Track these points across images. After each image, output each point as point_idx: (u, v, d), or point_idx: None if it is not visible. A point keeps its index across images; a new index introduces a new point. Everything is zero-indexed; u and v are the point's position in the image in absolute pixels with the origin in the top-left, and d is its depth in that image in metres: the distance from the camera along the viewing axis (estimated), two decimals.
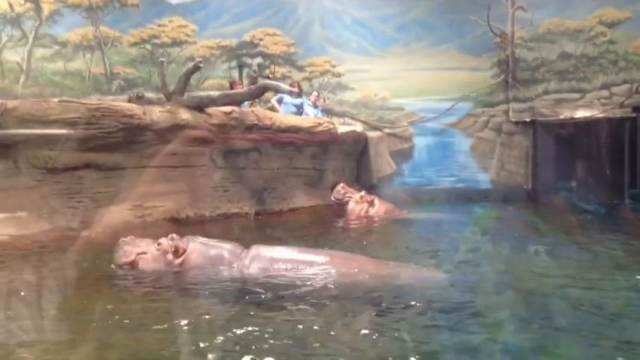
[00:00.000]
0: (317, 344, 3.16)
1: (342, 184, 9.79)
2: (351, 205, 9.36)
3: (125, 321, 3.59)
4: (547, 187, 12.16)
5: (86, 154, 7.32)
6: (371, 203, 9.30)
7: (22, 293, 4.23)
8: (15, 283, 4.52)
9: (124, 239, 4.93)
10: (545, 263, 5.38)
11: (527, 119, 12.61)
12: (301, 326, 3.43)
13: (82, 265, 5.28)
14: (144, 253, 4.80)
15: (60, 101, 7.22)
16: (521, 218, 9.35)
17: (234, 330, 3.37)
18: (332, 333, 3.34)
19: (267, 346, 3.12)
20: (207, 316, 3.70)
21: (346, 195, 9.54)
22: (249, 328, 3.39)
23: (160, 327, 3.48)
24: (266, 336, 3.26)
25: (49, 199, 6.98)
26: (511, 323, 3.53)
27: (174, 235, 4.81)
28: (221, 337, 3.26)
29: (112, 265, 4.86)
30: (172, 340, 3.25)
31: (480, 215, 9.70)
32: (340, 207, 9.54)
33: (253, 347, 3.09)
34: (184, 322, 3.53)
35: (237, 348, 3.10)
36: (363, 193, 9.52)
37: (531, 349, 3.10)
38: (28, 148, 6.85)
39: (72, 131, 7.06)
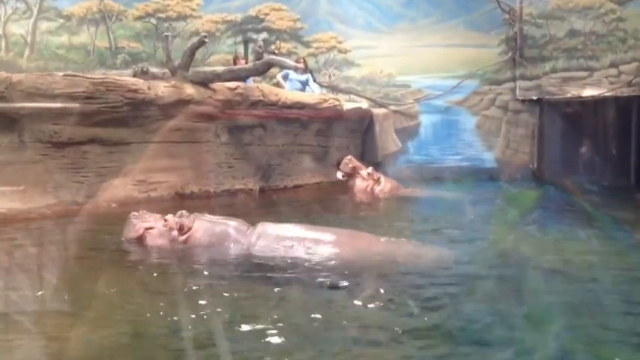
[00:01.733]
0: (321, 321, 3.18)
1: (350, 157, 9.71)
2: (357, 181, 9.33)
3: (124, 292, 3.71)
4: (553, 166, 12.10)
5: (91, 128, 7.31)
6: (377, 181, 9.26)
7: (27, 264, 4.28)
8: (21, 255, 4.56)
9: (134, 213, 4.93)
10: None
11: (534, 97, 12.49)
12: (306, 302, 3.45)
13: (85, 238, 5.31)
14: (151, 228, 4.81)
15: (64, 75, 7.19)
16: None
17: (236, 303, 3.41)
18: (338, 310, 3.36)
19: (269, 321, 3.15)
20: (208, 289, 3.73)
21: (354, 169, 9.48)
22: (253, 302, 3.42)
23: (153, 298, 3.56)
24: (270, 312, 3.29)
25: (54, 173, 7.00)
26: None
27: (183, 212, 4.82)
28: (220, 309, 3.29)
29: (123, 239, 4.88)
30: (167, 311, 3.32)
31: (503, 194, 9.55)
32: (346, 181, 9.50)
33: (256, 321, 3.12)
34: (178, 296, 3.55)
35: (239, 320, 3.12)
36: (370, 169, 9.46)
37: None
38: (32, 122, 6.84)
39: (76, 105, 7.04)
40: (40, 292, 3.71)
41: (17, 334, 3.07)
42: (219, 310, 3.36)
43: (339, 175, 9.55)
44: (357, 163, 9.60)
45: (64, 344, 2.95)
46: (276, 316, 3.22)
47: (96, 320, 3.24)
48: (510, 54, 12.78)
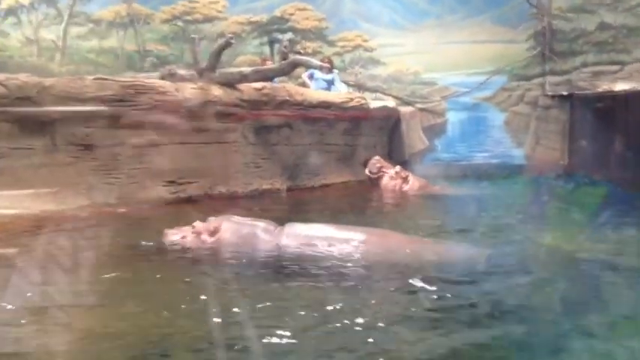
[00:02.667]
0: (349, 321, 3.17)
1: (377, 158, 9.68)
2: (385, 180, 9.28)
3: (156, 288, 3.85)
4: (584, 162, 11.88)
5: (121, 130, 7.42)
6: (405, 179, 9.21)
7: (63, 262, 4.38)
8: (58, 254, 4.67)
9: (168, 230, 5.05)
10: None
11: (565, 93, 12.28)
12: (334, 303, 3.45)
13: (119, 238, 5.40)
14: (184, 237, 4.94)
15: (95, 79, 7.30)
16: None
17: (262, 303, 3.44)
18: (367, 310, 3.35)
19: (294, 320, 3.16)
20: (234, 287, 3.77)
21: (381, 169, 9.45)
22: (279, 303, 3.45)
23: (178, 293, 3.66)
24: (295, 311, 3.30)
25: (86, 175, 7.11)
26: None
27: (210, 218, 4.92)
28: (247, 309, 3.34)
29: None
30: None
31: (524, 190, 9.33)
32: (373, 182, 9.47)
33: (279, 321, 3.13)
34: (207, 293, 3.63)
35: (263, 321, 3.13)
36: (398, 168, 9.42)
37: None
38: (64, 126, 6.96)
39: (106, 108, 7.15)
40: (79, 288, 3.82)
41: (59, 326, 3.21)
42: (245, 306, 3.40)
43: (367, 173, 9.53)
44: (384, 163, 9.57)
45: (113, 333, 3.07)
46: (303, 313, 3.23)
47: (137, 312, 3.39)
48: (539, 49, 12.61)
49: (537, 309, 3.39)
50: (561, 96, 12.32)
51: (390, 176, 9.27)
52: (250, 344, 2.89)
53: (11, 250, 4.69)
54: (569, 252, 4.78)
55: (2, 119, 6.50)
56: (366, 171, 9.58)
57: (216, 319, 3.18)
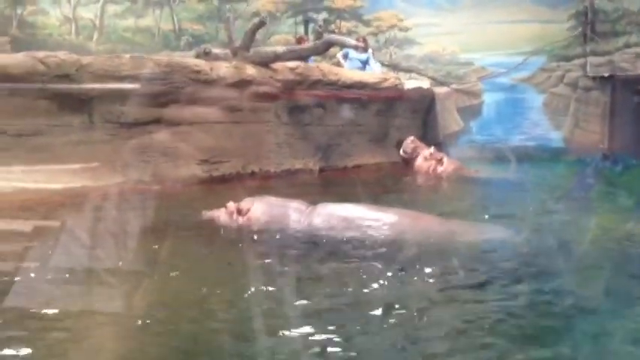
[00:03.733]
0: (377, 299, 3.17)
1: (412, 138, 9.56)
2: (418, 161, 9.18)
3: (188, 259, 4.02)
4: (625, 146, 11.56)
5: (156, 109, 7.50)
6: (440, 161, 9.10)
7: (102, 235, 4.51)
8: (95, 227, 4.80)
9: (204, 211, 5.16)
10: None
11: (606, 74, 11.92)
12: (362, 280, 3.44)
13: (154, 214, 5.50)
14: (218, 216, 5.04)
15: (131, 57, 7.37)
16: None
17: (292, 277, 3.49)
18: (395, 288, 3.34)
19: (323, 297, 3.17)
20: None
21: (416, 149, 9.34)
22: (308, 279, 3.48)
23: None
24: (324, 289, 3.31)
25: (122, 152, 7.22)
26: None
27: (246, 199, 4.99)
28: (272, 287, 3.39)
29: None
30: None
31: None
32: (407, 162, 9.38)
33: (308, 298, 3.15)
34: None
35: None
36: (432, 149, 9.30)
37: None
38: (101, 103, 7.07)
39: (142, 86, 7.23)
40: (119, 258, 3.97)
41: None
42: (275, 281, 3.47)
43: (401, 153, 9.42)
44: (419, 144, 9.45)
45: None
46: (328, 290, 3.25)
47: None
48: (580, 29, 12.25)
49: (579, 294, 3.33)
50: (602, 77, 11.96)
51: (425, 157, 9.16)
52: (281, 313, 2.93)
53: (54, 223, 4.84)
54: (614, 238, 4.67)
55: (41, 96, 6.63)
56: (401, 151, 9.47)
57: (247, 292, 3.28)
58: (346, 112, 9.52)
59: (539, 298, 3.22)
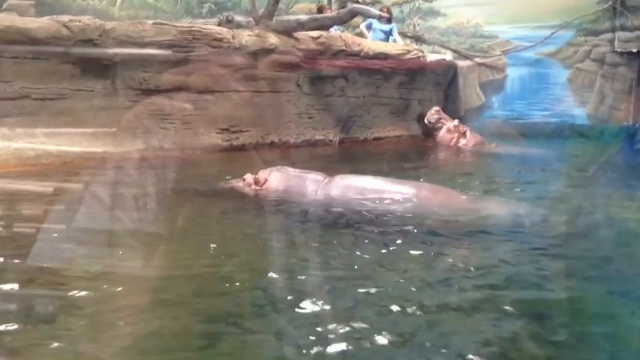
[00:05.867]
0: (390, 270, 3.18)
1: (437, 108, 9.51)
2: (442, 132, 9.13)
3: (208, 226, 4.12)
4: None
5: (178, 76, 7.50)
6: (463, 134, 9.02)
7: (123, 198, 4.60)
8: (116, 191, 4.88)
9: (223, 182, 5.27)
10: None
11: (635, 49, 11.62)
12: (379, 256, 3.46)
13: (174, 180, 5.57)
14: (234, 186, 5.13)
15: (154, 23, 7.36)
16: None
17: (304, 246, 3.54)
18: (406, 261, 3.35)
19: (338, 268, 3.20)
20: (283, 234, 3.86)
21: (440, 120, 9.28)
22: (320, 248, 3.52)
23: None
24: (335, 259, 3.35)
25: (144, 119, 7.26)
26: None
27: (265, 170, 5.02)
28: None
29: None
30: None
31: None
32: (430, 132, 9.31)
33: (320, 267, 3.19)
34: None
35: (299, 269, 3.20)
36: (456, 122, 9.22)
37: None
38: (124, 69, 7.08)
39: (165, 52, 7.23)
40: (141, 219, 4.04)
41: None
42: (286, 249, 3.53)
43: (426, 121, 9.37)
44: (443, 115, 9.41)
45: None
46: (338, 262, 3.31)
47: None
48: (610, 2, 11.91)
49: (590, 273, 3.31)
50: (631, 53, 11.67)
51: (448, 129, 9.10)
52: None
53: (76, 185, 4.92)
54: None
55: (65, 61, 6.66)
56: (425, 120, 9.42)
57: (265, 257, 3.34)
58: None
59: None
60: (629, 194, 5.38)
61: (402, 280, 3.05)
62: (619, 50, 11.82)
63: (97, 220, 3.96)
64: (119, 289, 2.85)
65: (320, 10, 11.53)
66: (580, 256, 3.54)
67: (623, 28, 11.82)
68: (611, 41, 11.89)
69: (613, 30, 11.89)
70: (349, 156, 8.36)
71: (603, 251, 3.63)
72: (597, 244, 3.83)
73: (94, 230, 3.71)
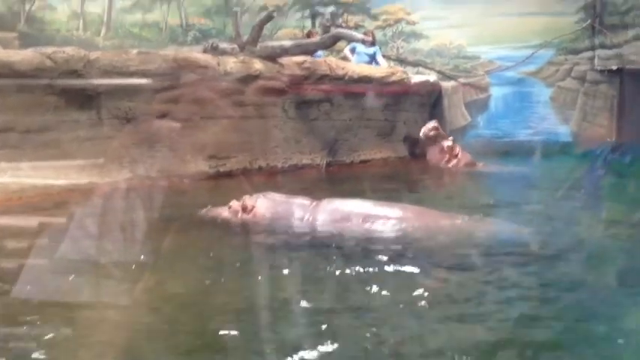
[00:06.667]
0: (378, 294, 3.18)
1: (434, 123, 9.49)
2: (433, 150, 9.13)
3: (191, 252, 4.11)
4: (633, 139, 11.48)
5: (164, 104, 7.51)
6: (455, 156, 9.04)
7: (108, 230, 4.56)
8: (102, 223, 4.83)
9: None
10: None
11: (614, 67, 11.83)
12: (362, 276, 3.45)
13: (159, 209, 5.53)
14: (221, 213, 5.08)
15: (138, 52, 7.39)
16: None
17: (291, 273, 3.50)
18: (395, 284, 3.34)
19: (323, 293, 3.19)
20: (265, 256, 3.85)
21: (436, 137, 9.24)
22: (307, 274, 3.50)
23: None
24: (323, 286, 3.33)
25: (129, 148, 7.25)
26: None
27: (245, 197, 5.00)
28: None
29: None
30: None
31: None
32: (423, 146, 9.26)
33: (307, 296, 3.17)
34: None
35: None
36: (451, 140, 9.22)
37: None
38: (109, 99, 7.09)
39: (150, 82, 7.25)
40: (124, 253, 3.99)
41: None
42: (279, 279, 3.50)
43: (421, 135, 9.33)
44: (441, 132, 9.39)
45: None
46: (326, 293, 3.28)
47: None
48: (589, 21, 12.15)
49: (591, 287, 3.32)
50: (611, 71, 11.87)
51: (441, 148, 9.10)
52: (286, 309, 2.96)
53: (59, 219, 4.87)
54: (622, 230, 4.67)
55: (49, 92, 6.65)
56: (421, 134, 9.40)
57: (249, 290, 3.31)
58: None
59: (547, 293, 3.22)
60: (595, 214, 5.43)
61: (384, 304, 3.05)
62: (599, 68, 12.03)
63: (79, 252, 3.93)
64: (97, 323, 2.81)
65: (308, 35, 11.64)
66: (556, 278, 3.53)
67: (603, 47, 12.05)
68: (591, 59, 12.11)
69: (593, 48, 12.12)
70: (337, 179, 8.37)
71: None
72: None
73: (77, 262, 3.69)
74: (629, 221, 4.95)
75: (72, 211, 5.18)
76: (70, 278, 3.43)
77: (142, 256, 3.90)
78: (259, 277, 3.52)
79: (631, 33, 11.93)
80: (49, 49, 6.83)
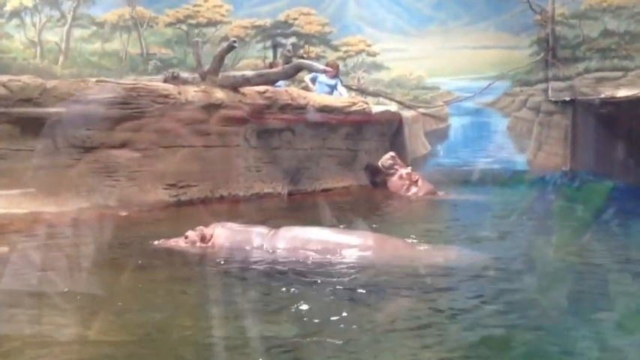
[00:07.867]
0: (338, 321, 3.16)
1: (392, 154, 9.63)
2: (393, 179, 9.23)
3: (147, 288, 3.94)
4: (586, 168, 11.84)
5: (122, 133, 7.43)
6: (415, 182, 9.15)
7: (55, 262, 4.42)
8: (56, 254, 4.70)
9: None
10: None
11: (567, 98, 12.26)
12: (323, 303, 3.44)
13: (113, 240, 5.42)
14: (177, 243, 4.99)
15: (97, 81, 7.32)
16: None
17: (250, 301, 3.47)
18: (365, 320, 3.33)
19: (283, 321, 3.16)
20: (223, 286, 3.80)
21: (394, 165, 9.36)
22: (266, 303, 3.46)
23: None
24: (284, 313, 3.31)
25: (87, 177, 7.12)
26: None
27: (201, 227, 4.94)
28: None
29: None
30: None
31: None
32: (382, 177, 9.36)
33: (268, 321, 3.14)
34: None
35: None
36: (409, 169, 9.36)
37: None
38: (66, 127, 6.98)
39: (108, 111, 7.17)
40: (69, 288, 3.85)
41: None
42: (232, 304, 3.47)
43: (380, 165, 9.43)
44: (398, 161, 9.53)
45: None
46: (289, 315, 3.26)
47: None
48: (542, 55, 12.60)
49: (544, 310, 3.37)
50: (564, 102, 12.30)
51: (400, 176, 9.21)
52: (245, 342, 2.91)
53: (3, 249, 4.72)
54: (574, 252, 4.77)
55: (4, 121, 6.54)
56: (379, 163, 9.51)
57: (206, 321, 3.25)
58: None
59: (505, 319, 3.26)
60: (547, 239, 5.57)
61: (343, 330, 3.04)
62: (553, 99, 12.45)
63: (23, 283, 3.82)
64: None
65: (271, 65, 11.71)
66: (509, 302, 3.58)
67: (556, 78, 12.49)
68: (545, 91, 12.53)
69: (546, 80, 12.55)
70: (298, 208, 8.36)
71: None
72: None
73: (20, 293, 3.59)
74: (577, 243, 5.09)
75: (16, 241, 5.05)
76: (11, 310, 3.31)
77: (85, 290, 3.76)
78: (215, 308, 3.45)
79: (582, 66, 12.43)
80: (5, 77, 6.74)
